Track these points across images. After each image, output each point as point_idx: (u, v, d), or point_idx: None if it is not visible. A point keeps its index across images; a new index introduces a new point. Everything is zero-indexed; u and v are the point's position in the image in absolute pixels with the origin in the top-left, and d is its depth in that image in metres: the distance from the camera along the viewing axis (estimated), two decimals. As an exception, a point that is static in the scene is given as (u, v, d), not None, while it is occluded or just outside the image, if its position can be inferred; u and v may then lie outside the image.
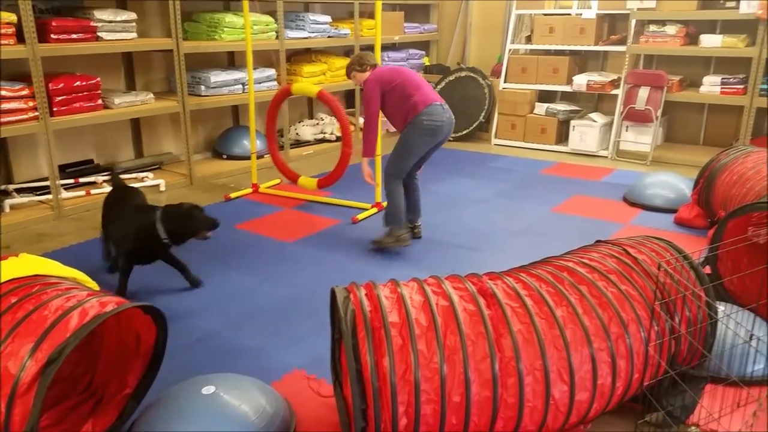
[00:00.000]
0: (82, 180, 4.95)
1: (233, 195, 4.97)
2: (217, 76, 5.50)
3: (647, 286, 2.21)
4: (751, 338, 2.31)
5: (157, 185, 5.11)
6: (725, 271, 3.14)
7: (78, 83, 4.53)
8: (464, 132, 7.14)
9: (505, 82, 6.99)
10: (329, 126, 6.86)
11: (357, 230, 4.28)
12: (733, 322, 2.48)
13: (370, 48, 4.85)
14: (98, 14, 4.63)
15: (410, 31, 7.63)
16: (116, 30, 4.75)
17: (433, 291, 2.05)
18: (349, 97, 7.36)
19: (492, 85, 7.05)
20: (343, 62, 6.70)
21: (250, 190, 5.09)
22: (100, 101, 4.71)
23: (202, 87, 5.46)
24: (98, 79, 4.69)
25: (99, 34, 4.64)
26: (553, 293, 2.10)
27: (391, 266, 3.68)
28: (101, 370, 2.33)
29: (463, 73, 7.27)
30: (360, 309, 1.92)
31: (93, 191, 4.74)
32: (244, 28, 5.00)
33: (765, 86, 5.69)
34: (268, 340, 2.82)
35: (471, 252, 3.90)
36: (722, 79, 5.92)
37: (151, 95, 5.10)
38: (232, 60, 6.21)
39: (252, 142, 5.12)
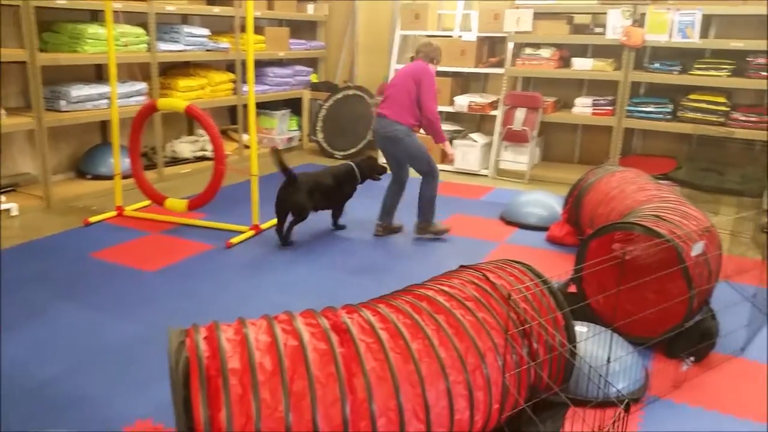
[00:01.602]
0: None
1: (93, 219, 4.58)
2: (79, 91, 5.09)
3: (504, 313, 2.17)
4: (609, 361, 2.33)
5: (8, 210, 4.62)
6: (590, 291, 3.22)
7: None
8: (353, 150, 7.09)
9: (390, 100, 6.99)
10: (209, 143, 6.56)
11: (231, 256, 4.05)
12: (593, 344, 2.51)
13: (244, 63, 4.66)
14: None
15: (296, 47, 7.50)
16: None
17: (283, 330, 1.90)
18: (232, 112, 7.10)
19: (378, 105, 7.03)
20: (224, 76, 6.46)
21: (113, 213, 4.72)
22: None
23: (63, 102, 5.03)
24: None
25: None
26: (410, 325, 2.01)
27: (265, 294, 3.49)
28: None
29: (351, 92, 7.22)
30: (195, 355, 1.73)
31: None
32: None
33: (631, 107, 6.05)
34: (111, 386, 2.54)
35: (353, 276, 3.79)
36: (593, 100, 6.23)
37: (3, 111, 4.63)
38: (99, 73, 5.80)
39: (116, 161, 4.76)
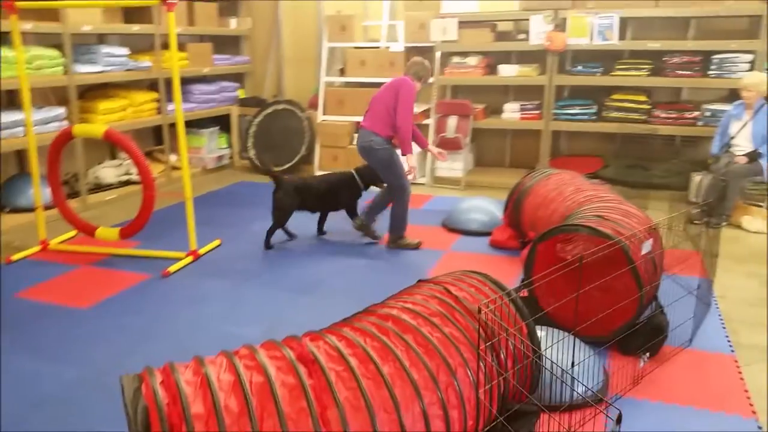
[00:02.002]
0: None
1: (16, 256, 4.25)
2: (-10, 119, 4.74)
3: (470, 326, 2.14)
4: (573, 365, 2.34)
5: None
6: (541, 294, 3.25)
7: None
8: (287, 166, 6.94)
9: (323, 114, 6.93)
10: (135, 167, 6.26)
11: (169, 285, 3.85)
12: (556, 350, 2.51)
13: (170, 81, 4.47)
14: None
15: (221, 63, 7.30)
16: None
17: (245, 366, 1.79)
18: (157, 132, 6.81)
19: (311, 118, 6.95)
20: (146, 96, 6.19)
21: (37, 248, 4.40)
22: None
23: (-29, 131, 4.67)
24: None
25: None
26: (379, 348, 1.94)
27: (211, 324, 3.32)
28: None
29: (281, 106, 7.09)
30: (154, 403, 1.60)
31: None
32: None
33: (557, 110, 6.21)
34: (54, 439, 2.34)
35: (300, 296, 3.67)
36: (521, 105, 6.37)
37: None
38: (13, 99, 5.42)
39: (36, 191, 4.45)
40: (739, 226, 4.81)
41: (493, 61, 6.53)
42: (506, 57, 6.56)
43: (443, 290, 2.27)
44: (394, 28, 6.89)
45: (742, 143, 4.96)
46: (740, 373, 2.79)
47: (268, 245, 4.51)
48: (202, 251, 4.36)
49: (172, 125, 6.45)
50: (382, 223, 4.62)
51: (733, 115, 5.06)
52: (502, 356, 2.14)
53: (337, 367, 1.83)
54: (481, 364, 2.04)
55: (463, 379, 1.99)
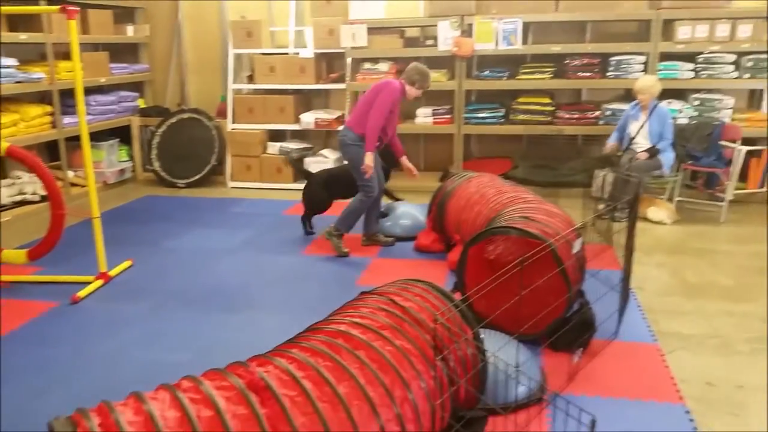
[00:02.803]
0: None
1: None
2: None
3: (420, 336, 2.11)
4: (517, 367, 2.36)
5: None
6: (473, 296, 3.28)
7: None
8: (197, 177, 6.67)
9: (233, 122, 6.71)
10: (29, 185, 5.79)
11: (81, 312, 3.56)
12: (497, 354, 2.53)
13: (71, 92, 4.16)
14: None
15: (118, 72, 6.89)
16: None
17: (191, 399, 1.66)
18: (52, 148, 6.32)
19: (219, 126, 6.71)
20: (39, 109, 5.74)
21: None
22: None
23: None
24: None
25: None
26: (332, 368, 1.86)
27: (132, 353, 3.09)
28: None
29: (186, 115, 6.80)
30: (95, 451, 1.44)
31: None
32: None
33: (467, 114, 6.35)
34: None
35: (228, 315, 3.50)
36: (433, 110, 6.45)
37: None
38: None
39: None
40: (645, 218, 5.11)
41: (403, 66, 6.49)
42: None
43: (389, 301, 2.23)
44: (302, 33, 6.79)
45: (641, 141, 5.27)
46: (664, 360, 2.93)
47: (308, 231, 4.96)
48: (112, 273, 4.08)
49: (68, 139, 6.04)
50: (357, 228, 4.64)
51: (631, 115, 5.37)
52: (451, 364, 2.13)
53: (290, 393, 1.74)
54: (435, 376, 2.02)
55: (417, 392, 1.96)
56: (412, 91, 4.44)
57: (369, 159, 4.28)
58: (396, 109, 4.46)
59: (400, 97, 4.40)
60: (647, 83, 5.19)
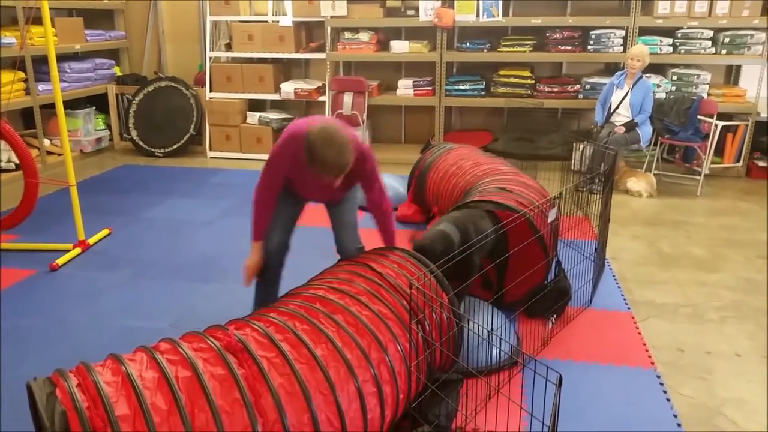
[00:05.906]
0: None
1: None
2: None
3: (397, 302, 2.14)
4: (492, 330, 2.40)
5: None
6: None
7: None
8: (175, 147, 6.59)
9: (211, 91, 6.62)
10: (4, 153, 5.68)
11: (59, 280, 3.54)
12: (476, 318, 2.57)
13: (45, 58, 4.06)
14: None
15: (93, 39, 6.74)
16: None
17: (168, 360, 1.68)
18: (28, 115, 6.19)
19: (198, 95, 6.62)
20: (11, 76, 5.59)
21: None
22: None
23: None
24: None
25: None
26: (310, 331, 1.89)
27: (111, 321, 3.09)
28: None
29: (164, 83, 6.69)
30: (73, 408, 1.45)
31: None
32: None
33: (448, 87, 6.33)
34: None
35: (204, 285, 3.50)
36: (414, 81, 6.42)
37: None
38: None
39: None
40: (626, 191, 5.19)
41: (384, 37, 6.52)
42: (397, 33, 6.57)
43: (366, 268, 2.25)
44: (281, 1, 6.68)
45: (623, 112, 5.31)
46: (637, 328, 3.01)
47: None
48: (91, 241, 4.05)
49: (43, 107, 5.92)
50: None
51: (615, 84, 5.38)
52: (427, 328, 2.16)
53: (268, 354, 1.76)
54: (410, 339, 2.05)
55: (394, 354, 1.99)
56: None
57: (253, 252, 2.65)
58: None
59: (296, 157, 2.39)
60: (643, 49, 5.20)
